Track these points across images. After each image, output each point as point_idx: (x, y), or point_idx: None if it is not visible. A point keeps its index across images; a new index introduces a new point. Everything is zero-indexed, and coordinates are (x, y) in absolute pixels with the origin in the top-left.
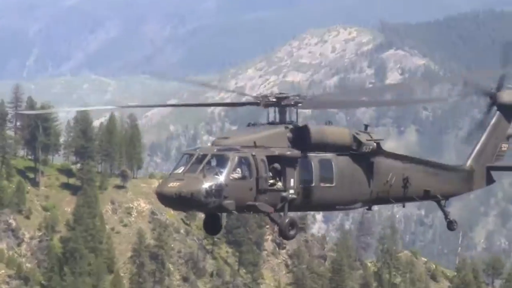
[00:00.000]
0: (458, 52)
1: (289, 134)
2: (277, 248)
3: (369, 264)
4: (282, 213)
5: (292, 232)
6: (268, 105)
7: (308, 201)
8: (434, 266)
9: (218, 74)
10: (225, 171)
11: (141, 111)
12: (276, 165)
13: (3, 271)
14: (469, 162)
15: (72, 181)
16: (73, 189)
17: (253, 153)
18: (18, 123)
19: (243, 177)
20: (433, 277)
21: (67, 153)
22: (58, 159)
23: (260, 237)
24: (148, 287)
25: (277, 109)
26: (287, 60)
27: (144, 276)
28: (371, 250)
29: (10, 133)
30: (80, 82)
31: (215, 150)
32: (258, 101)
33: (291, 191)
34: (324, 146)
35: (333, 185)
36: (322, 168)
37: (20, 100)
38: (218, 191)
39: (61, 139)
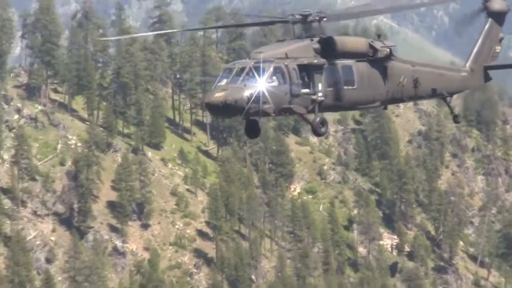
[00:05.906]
0: None
1: (315, 45)
2: None
3: None
4: (313, 114)
5: (323, 129)
6: (295, 22)
7: (334, 102)
8: None
9: None
10: (262, 80)
11: None
12: (306, 72)
13: (327, 160)
14: (468, 63)
15: None
16: None
17: (286, 63)
18: None
19: (278, 84)
20: None
21: None
22: None
23: None
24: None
25: (302, 25)
26: None
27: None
28: None
29: None
30: None
31: (252, 63)
32: (287, 19)
33: (320, 94)
34: (345, 54)
35: (355, 87)
36: (345, 73)
37: None
38: (258, 97)
39: None
